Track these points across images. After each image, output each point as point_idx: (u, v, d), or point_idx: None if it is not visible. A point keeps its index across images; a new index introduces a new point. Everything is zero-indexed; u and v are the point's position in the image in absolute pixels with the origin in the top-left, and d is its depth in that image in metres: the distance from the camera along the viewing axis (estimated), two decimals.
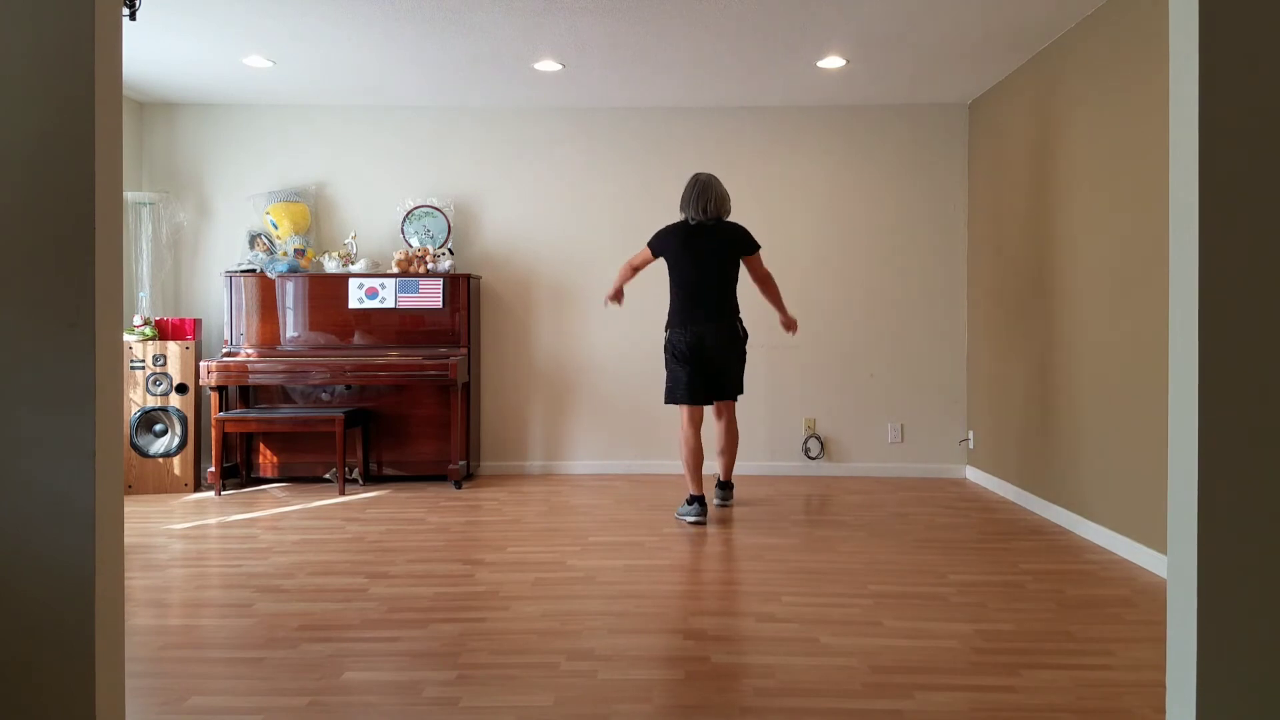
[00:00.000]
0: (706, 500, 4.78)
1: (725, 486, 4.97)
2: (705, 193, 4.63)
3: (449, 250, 5.78)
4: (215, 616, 3.13)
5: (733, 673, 2.62)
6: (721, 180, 5.94)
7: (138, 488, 5.43)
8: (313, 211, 5.93)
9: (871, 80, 5.35)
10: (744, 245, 4.70)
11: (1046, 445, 4.71)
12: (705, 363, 4.62)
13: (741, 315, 4.81)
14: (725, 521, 4.59)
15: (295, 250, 5.71)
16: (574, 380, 6.01)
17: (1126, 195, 3.93)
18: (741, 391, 4.80)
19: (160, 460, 5.43)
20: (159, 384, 5.41)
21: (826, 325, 5.95)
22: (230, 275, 5.63)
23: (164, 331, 5.53)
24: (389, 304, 5.62)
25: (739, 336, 4.70)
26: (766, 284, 4.83)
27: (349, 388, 5.72)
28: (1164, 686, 2.39)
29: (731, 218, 5.96)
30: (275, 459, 5.74)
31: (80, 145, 1.68)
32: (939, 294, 5.92)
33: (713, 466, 6.06)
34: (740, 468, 5.96)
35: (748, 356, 5.10)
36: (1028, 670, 2.64)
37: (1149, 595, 3.37)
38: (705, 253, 4.63)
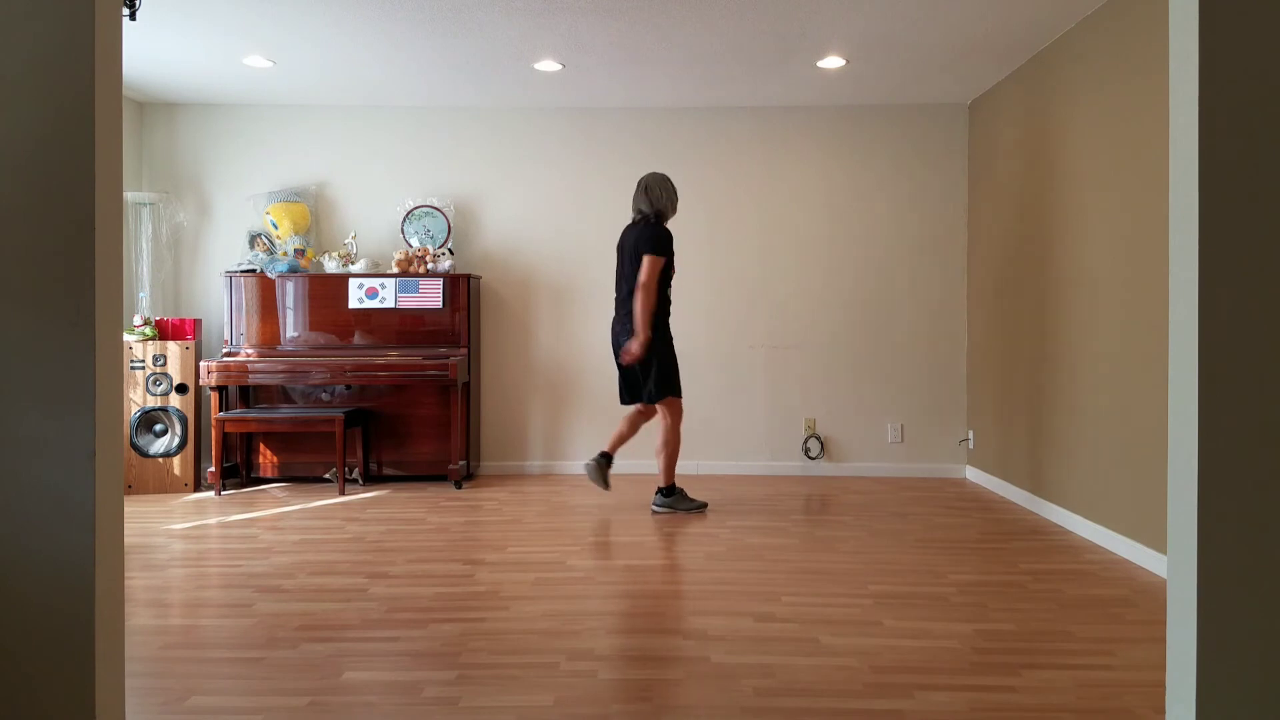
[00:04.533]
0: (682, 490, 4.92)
1: (661, 490, 4.87)
2: (636, 189, 4.74)
3: (449, 250, 5.79)
4: (215, 616, 3.13)
5: (733, 673, 2.62)
6: (720, 179, 5.96)
7: (138, 488, 5.43)
8: (313, 211, 5.93)
9: (871, 80, 5.35)
10: (639, 246, 4.61)
11: (1046, 445, 4.71)
12: (619, 364, 4.75)
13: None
14: (726, 521, 4.59)
15: (295, 250, 5.71)
16: (574, 380, 6.01)
17: (1126, 195, 3.93)
18: (658, 398, 4.67)
19: (160, 460, 5.43)
20: (159, 384, 5.41)
21: (826, 325, 5.95)
22: (230, 275, 5.63)
23: (164, 331, 5.53)
24: (389, 304, 5.62)
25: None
26: (641, 296, 4.58)
27: (349, 388, 5.72)
28: (1164, 686, 2.39)
29: (732, 217, 5.98)
30: (275, 459, 5.74)
31: (80, 145, 1.68)
32: (939, 294, 5.92)
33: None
34: (740, 467, 5.97)
35: (669, 357, 4.73)
36: (1028, 670, 2.64)
37: (1149, 595, 3.37)
38: (624, 253, 4.73)
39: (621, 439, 4.86)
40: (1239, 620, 1.58)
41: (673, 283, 4.83)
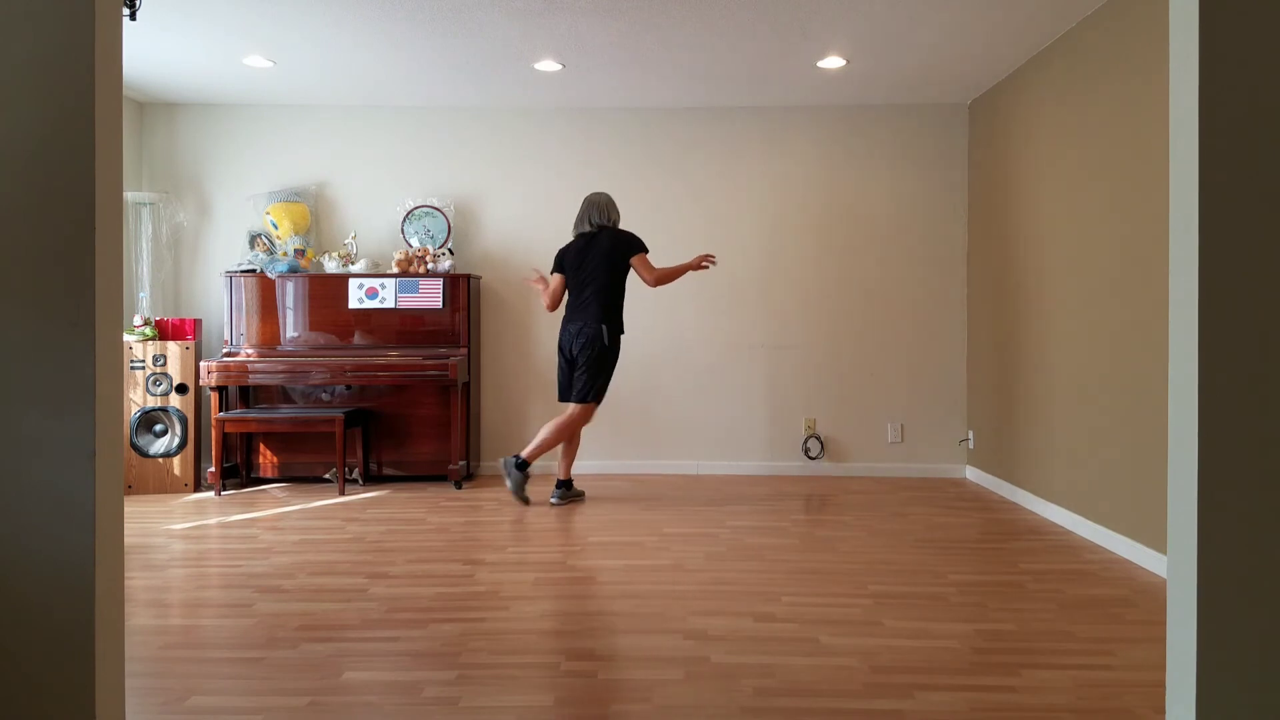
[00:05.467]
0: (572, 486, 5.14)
1: (519, 461, 5.03)
2: (588, 207, 4.96)
3: (449, 250, 5.79)
4: (215, 616, 3.13)
5: (733, 673, 2.62)
6: (720, 179, 5.96)
7: (138, 488, 5.43)
8: (313, 211, 5.93)
9: (871, 80, 5.35)
10: (628, 248, 4.87)
11: (1046, 445, 4.71)
12: (568, 362, 4.95)
13: (607, 318, 4.85)
14: (726, 522, 4.59)
15: (295, 250, 5.71)
16: None
17: (1126, 195, 3.93)
18: (583, 399, 4.85)
19: (160, 460, 5.43)
20: (159, 384, 5.42)
21: (826, 325, 5.95)
22: (230, 275, 5.63)
23: (164, 331, 5.53)
24: (389, 304, 5.62)
25: (602, 342, 4.84)
26: (661, 281, 4.85)
27: (349, 388, 5.72)
28: (1164, 686, 2.39)
29: (731, 217, 5.98)
30: (275, 459, 5.74)
31: (80, 145, 1.68)
32: (939, 294, 5.92)
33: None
34: (740, 467, 5.97)
35: (613, 366, 4.93)
36: (1028, 670, 2.64)
37: (1149, 595, 3.37)
38: (587, 259, 4.92)
39: (571, 457, 5.07)
40: (1239, 620, 1.58)
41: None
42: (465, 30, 4.49)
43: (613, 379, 5.94)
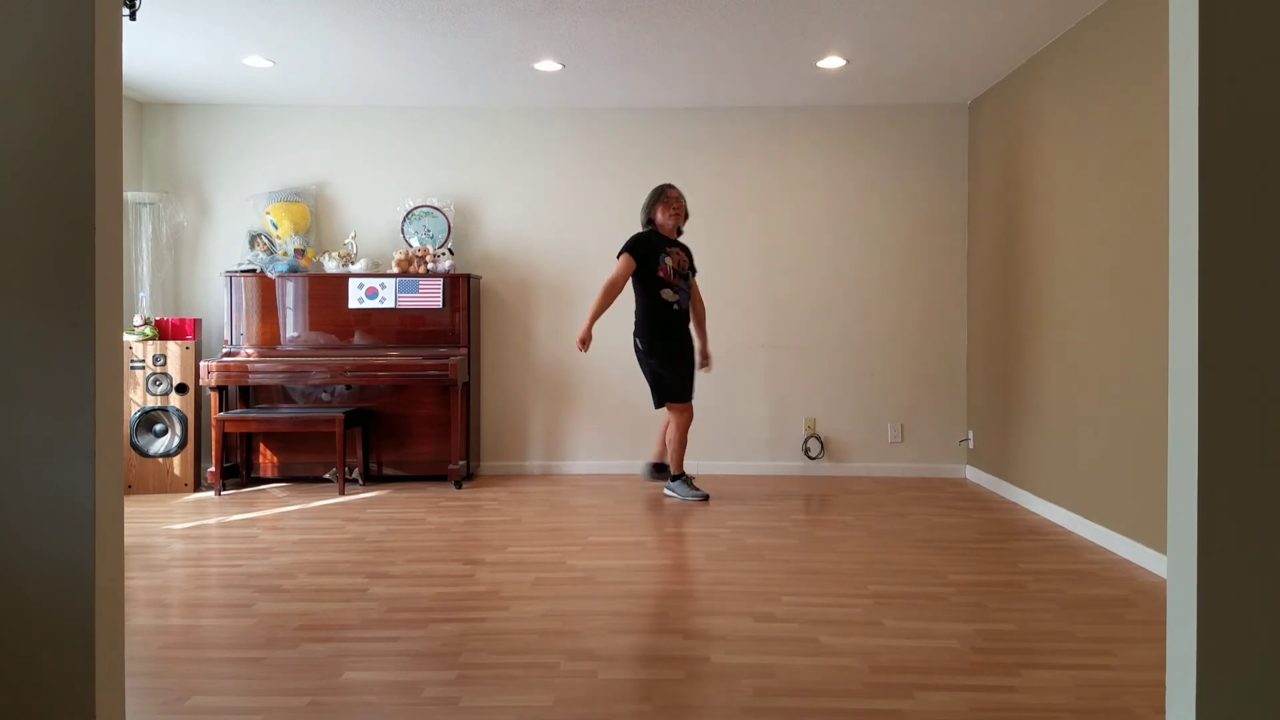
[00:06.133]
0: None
1: (671, 476, 5.25)
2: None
3: (449, 250, 5.79)
4: (215, 616, 3.13)
5: (733, 673, 2.62)
6: (720, 179, 5.96)
7: (138, 488, 5.43)
8: (313, 211, 5.93)
9: (871, 80, 5.35)
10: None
11: (1046, 445, 4.71)
12: None
13: (635, 326, 5.07)
14: (726, 522, 4.59)
15: (295, 250, 5.71)
16: (574, 380, 6.01)
17: (1126, 194, 3.93)
18: (661, 404, 5.04)
19: (160, 460, 5.43)
20: (159, 384, 5.41)
21: (827, 325, 5.95)
22: (230, 275, 5.63)
23: (164, 331, 5.53)
24: (389, 304, 5.62)
25: (637, 348, 5.05)
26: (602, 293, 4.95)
27: (349, 388, 5.72)
28: (1164, 686, 2.39)
29: (731, 217, 5.98)
30: (275, 459, 5.74)
31: (80, 145, 1.68)
32: (939, 294, 5.92)
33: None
34: (741, 467, 5.97)
35: (664, 363, 4.98)
36: (1028, 670, 2.64)
37: (1149, 595, 3.37)
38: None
39: (665, 444, 5.24)
40: (1239, 620, 1.58)
41: (674, 287, 4.98)
42: (465, 30, 4.49)
43: (616, 379, 5.96)
